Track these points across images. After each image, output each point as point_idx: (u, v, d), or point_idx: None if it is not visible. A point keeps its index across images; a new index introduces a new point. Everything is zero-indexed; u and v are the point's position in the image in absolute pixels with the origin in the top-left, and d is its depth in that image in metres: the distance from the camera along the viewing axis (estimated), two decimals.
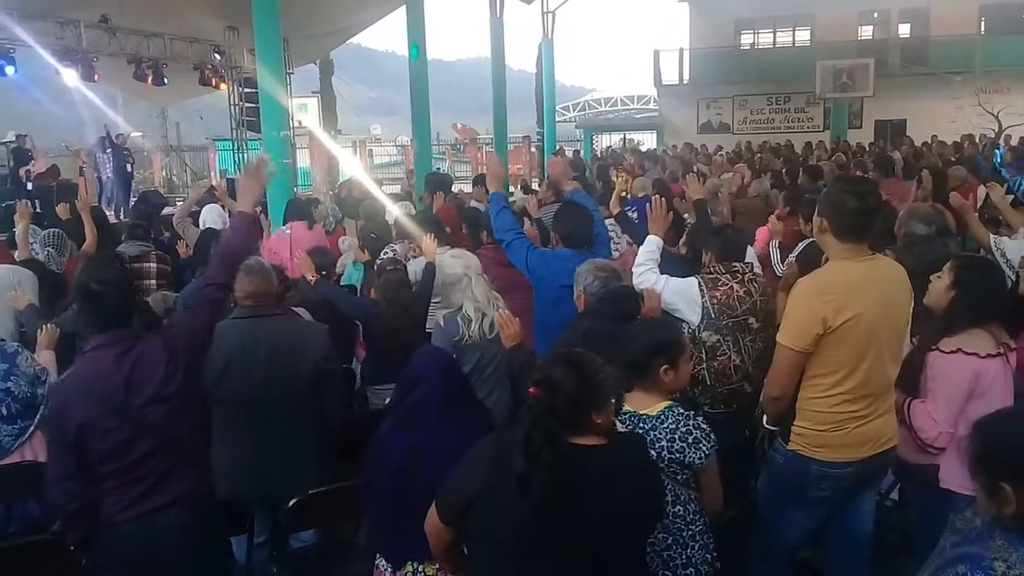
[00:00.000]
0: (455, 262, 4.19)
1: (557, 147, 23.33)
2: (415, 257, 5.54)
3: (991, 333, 3.09)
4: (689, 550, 2.77)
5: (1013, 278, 4.71)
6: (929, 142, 17.48)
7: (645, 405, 2.79)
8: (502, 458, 2.16)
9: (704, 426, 2.78)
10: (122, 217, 13.76)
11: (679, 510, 2.78)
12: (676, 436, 2.72)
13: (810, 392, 2.96)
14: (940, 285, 3.21)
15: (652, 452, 2.69)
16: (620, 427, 2.56)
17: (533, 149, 25.46)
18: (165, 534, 2.71)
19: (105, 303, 2.72)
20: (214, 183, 15.51)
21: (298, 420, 3.61)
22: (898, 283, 3.00)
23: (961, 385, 3.04)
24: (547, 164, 19.85)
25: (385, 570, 2.86)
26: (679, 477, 2.77)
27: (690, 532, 2.78)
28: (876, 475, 3.22)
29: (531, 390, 2.18)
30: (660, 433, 2.73)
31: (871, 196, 2.93)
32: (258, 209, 10.01)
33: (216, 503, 2.98)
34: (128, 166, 16.98)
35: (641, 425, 2.75)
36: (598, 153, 25.14)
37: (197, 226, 7.44)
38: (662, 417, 2.76)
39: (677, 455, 2.71)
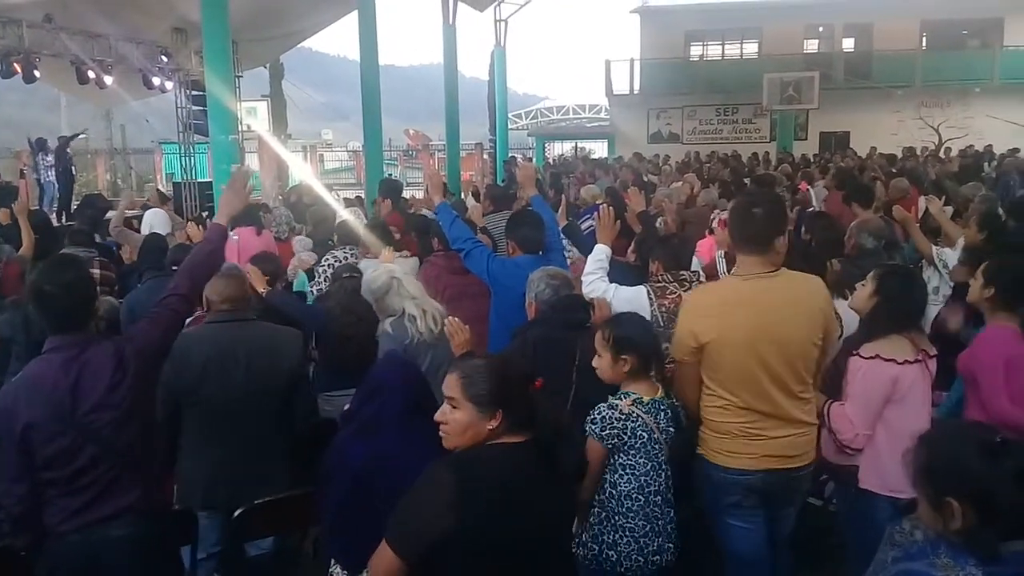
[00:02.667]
0: (376, 274, 4.08)
1: (509, 155, 23.38)
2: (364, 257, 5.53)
3: (910, 340, 3.15)
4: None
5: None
6: (870, 153, 17.93)
7: (651, 391, 3.04)
8: (478, 488, 2.10)
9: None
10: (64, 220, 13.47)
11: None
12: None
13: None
14: (863, 292, 3.30)
15: (657, 433, 3.01)
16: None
17: (486, 156, 25.52)
18: (111, 546, 2.66)
19: (55, 304, 2.68)
20: (160, 188, 15.27)
21: (272, 426, 3.59)
22: (802, 298, 3.03)
23: (878, 390, 3.11)
24: (504, 170, 19.92)
25: None
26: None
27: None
28: None
29: None
30: (662, 415, 3.03)
31: (777, 204, 3.09)
32: (203, 214, 9.90)
33: (172, 513, 2.92)
34: (72, 168, 16.62)
35: (652, 407, 3.01)
36: (550, 161, 25.30)
37: (137, 231, 7.30)
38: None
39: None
